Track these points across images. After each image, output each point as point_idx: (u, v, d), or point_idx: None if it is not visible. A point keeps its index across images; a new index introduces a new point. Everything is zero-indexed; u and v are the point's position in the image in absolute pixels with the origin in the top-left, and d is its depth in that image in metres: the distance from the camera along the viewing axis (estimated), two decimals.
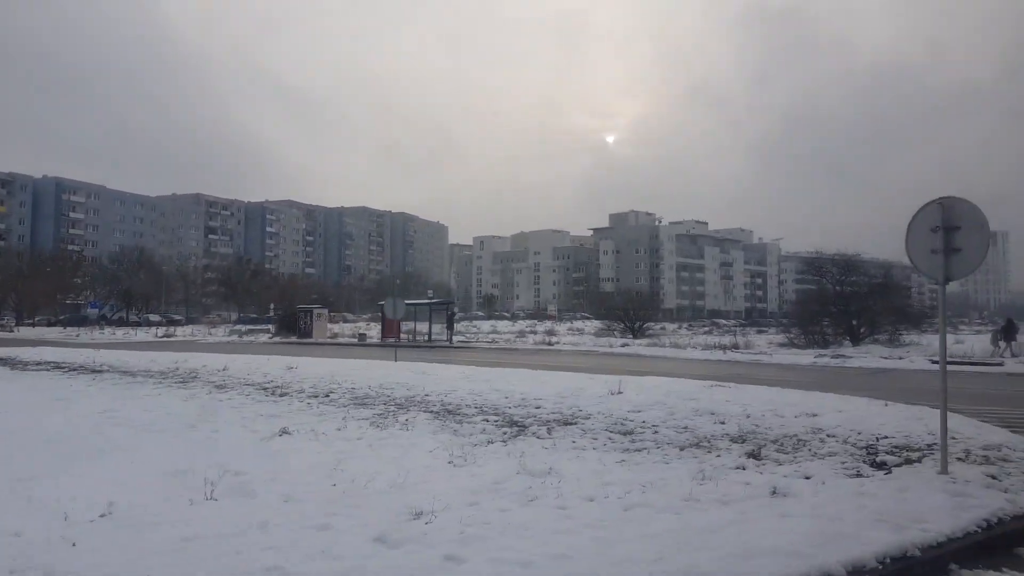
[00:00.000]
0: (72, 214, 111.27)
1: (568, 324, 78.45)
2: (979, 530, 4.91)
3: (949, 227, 6.27)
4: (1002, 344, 27.94)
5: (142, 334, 55.54)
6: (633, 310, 49.44)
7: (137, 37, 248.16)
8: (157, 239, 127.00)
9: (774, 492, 5.44)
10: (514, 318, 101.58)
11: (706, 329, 67.17)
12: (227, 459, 6.99)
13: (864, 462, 6.91)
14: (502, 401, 11.85)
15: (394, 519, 4.75)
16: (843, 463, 6.88)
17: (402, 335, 40.44)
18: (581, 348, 31.54)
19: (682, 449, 7.74)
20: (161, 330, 58.34)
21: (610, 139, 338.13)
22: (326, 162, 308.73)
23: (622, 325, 49.59)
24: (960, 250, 6.26)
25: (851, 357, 25.25)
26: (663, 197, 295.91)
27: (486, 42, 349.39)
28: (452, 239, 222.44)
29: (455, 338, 39.17)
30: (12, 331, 58.18)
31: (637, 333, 48.63)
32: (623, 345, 32.36)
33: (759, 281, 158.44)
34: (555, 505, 5.07)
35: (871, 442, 8.04)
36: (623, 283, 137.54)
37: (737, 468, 6.64)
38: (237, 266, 73.52)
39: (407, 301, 44.13)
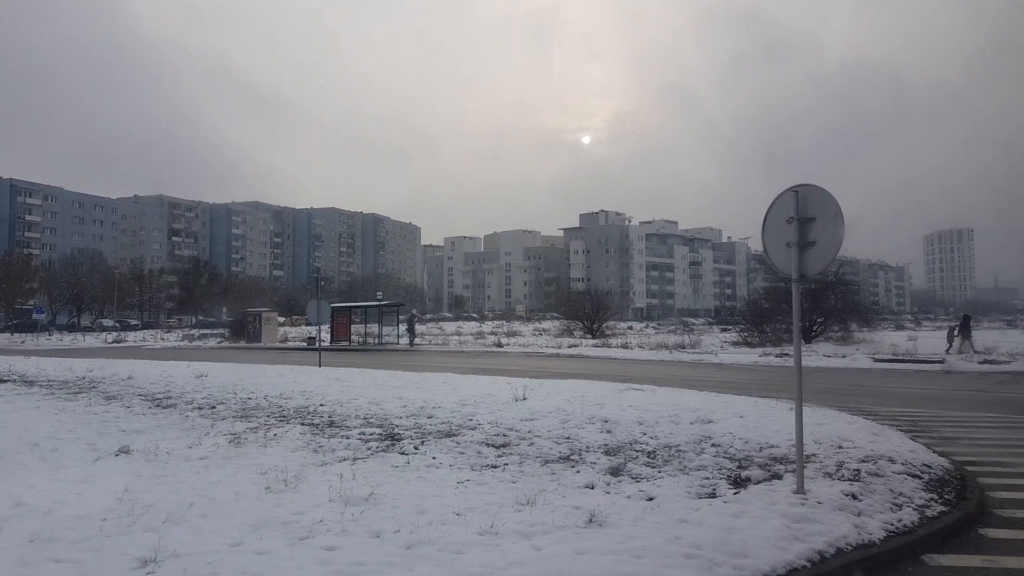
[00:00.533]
0: (28, 217, 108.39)
1: (536, 324, 77.84)
2: (807, 565, 4.31)
3: (804, 218, 5.67)
4: (957, 341, 27.57)
5: (91, 340, 53.97)
6: (592, 310, 49.00)
7: (102, 35, 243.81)
8: (118, 242, 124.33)
9: (591, 520, 4.80)
10: (482, 319, 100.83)
11: (672, 328, 67.04)
12: (23, 489, 6.23)
13: (727, 478, 6.32)
14: (398, 411, 11.15)
15: (114, 569, 4.03)
16: (705, 479, 6.28)
17: (355, 338, 39.67)
18: (529, 350, 30.93)
19: (545, 464, 7.10)
20: (112, 336, 56.78)
21: (584, 138, 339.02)
22: (297, 163, 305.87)
23: (581, 325, 49.22)
24: (815, 243, 5.66)
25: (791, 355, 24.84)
26: (636, 197, 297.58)
27: (458, 41, 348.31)
28: (425, 240, 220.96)
29: (416, 341, 38.31)
30: None
31: (596, 333, 48.28)
32: (571, 346, 31.80)
33: (728, 280, 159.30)
34: (323, 545, 4.38)
35: (751, 453, 7.47)
36: (594, 282, 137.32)
37: (584, 487, 6.01)
38: (194, 269, 71.62)
39: (357, 303, 43.39)
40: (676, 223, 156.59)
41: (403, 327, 38.43)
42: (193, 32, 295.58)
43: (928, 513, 5.39)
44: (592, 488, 5.97)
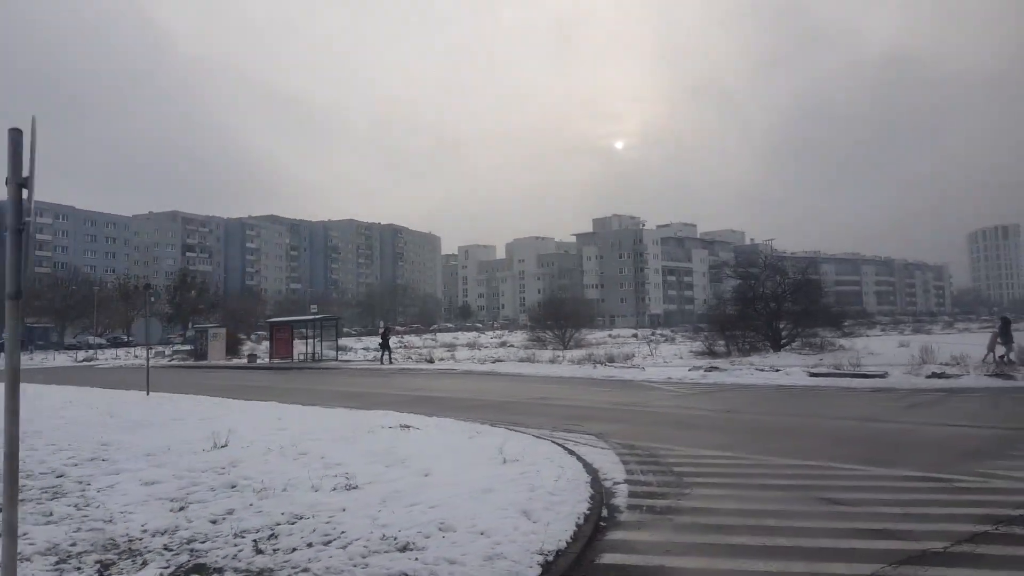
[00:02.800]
0: (39, 236, 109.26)
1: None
2: None
3: None
4: (999, 349, 21.37)
5: (62, 359, 52.90)
6: (555, 320, 46.19)
7: (120, 47, 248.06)
8: (131, 258, 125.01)
9: None
10: (483, 329, 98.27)
11: (687, 334, 63.18)
12: None
13: None
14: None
15: None
16: None
17: (298, 355, 37.30)
18: (461, 366, 27.92)
19: None
20: (83, 354, 55.61)
21: (614, 143, 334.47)
22: (327, 175, 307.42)
23: (551, 336, 46.36)
24: None
25: (725, 370, 21.76)
26: (665, 200, 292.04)
27: (486, 49, 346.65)
28: (448, 249, 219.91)
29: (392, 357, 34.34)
30: None
31: (568, 344, 45.35)
32: (495, 361, 28.96)
33: (752, 283, 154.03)
34: None
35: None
36: (607, 288, 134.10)
37: None
38: (182, 283, 70.37)
39: (292, 318, 41.10)
40: (695, 226, 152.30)
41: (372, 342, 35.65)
42: (220, 46, 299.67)
43: None
44: None
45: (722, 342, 33.36)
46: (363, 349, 46.39)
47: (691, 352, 34.23)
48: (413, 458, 8.09)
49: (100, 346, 64.92)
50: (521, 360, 28.89)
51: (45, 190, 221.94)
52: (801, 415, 12.80)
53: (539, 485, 6.77)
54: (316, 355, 35.47)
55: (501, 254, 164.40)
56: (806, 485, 7.06)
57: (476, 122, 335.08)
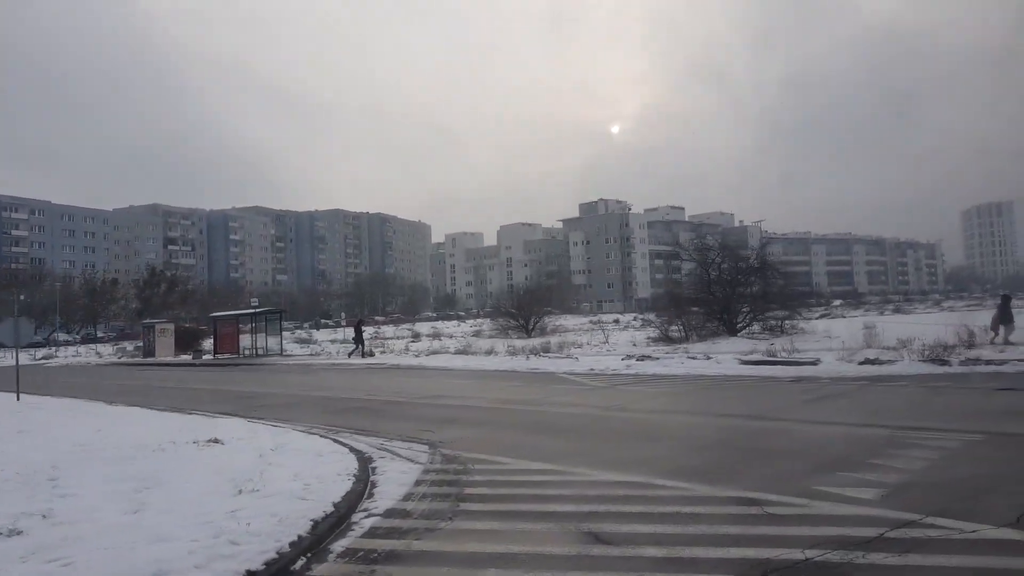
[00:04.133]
0: (15, 232, 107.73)
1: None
2: None
3: None
4: (1001, 329, 20.11)
5: (21, 357, 51.51)
6: (518, 307, 44.96)
7: (112, 38, 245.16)
8: (111, 253, 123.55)
9: None
10: (466, 317, 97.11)
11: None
12: None
13: None
14: None
15: None
16: None
17: (245, 351, 35.98)
18: (389, 362, 26.61)
19: None
20: (41, 352, 54.34)
21: (607, 127, 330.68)
22: (310, 166, 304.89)
23: (514, 324, 45.11)
24: None
25: (657, 359, 20.52)
26: (659, 184, 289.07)
27: (478, 35, 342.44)
28: (438, 239, 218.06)
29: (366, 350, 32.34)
30: None
31: (532, 332, 44.11)
32: (430, 354, 27.71)
33: (742, 265, 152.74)
34: None
35: None
36: (594, 274, 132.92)
37: None
38: (151, 278, 69.00)
39: (236, 311, 39.79)
40: (683, 209, 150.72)
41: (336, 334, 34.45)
42: (206, 34, 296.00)
43: None
44: None
45: (676, 328, 32.17)
46: (329, 342, 45.13)
47: (648, 339, 33.02)
48: (167, 485, 6.84)
49: (67, 343, 63.73)
50: (457, 352, 27.64)
51: (22, 185, 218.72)
52: (693, 412, 11.57)
53: (255, 515, 5.53)
54: (262, 350, 34.24)
55: (490, 242, 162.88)
56: (590, 513, 5.81)
57: (469, 111, 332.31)
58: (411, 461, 8.26)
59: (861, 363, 16.95)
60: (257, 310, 36.29)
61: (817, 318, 43.62)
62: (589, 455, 8.16)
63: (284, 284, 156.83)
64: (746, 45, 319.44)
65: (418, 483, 7.19)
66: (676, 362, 19.66)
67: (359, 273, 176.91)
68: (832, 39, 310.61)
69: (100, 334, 76.48)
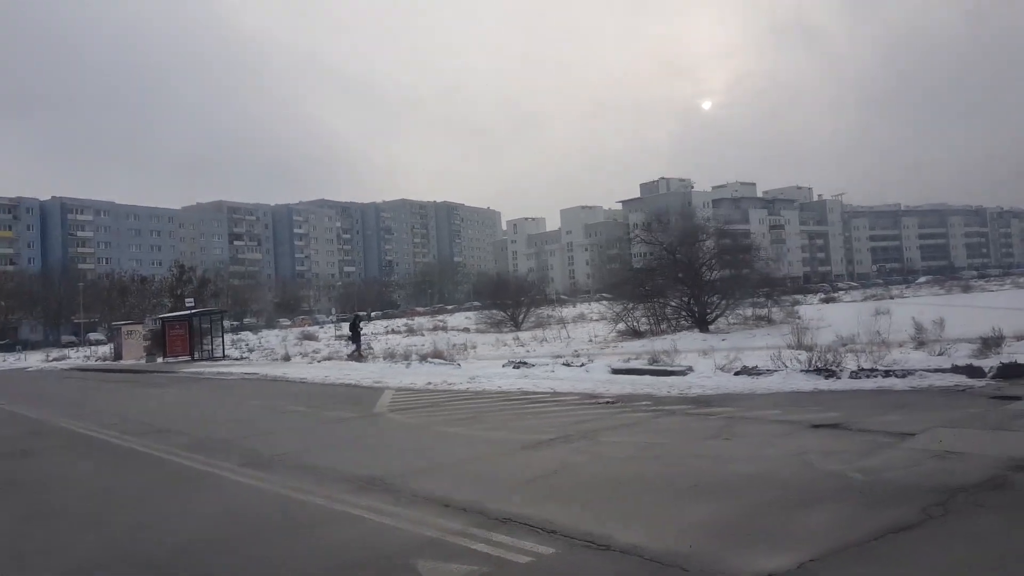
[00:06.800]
0: (80, 233, 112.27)
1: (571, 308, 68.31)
2: None
3: None
4: None
5: (34, 358, 52.12)
6: (513, 298, 41.61)
7: (198, 36, 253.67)
8: (177, 250, 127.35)
9: None
10: None
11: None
12: None
13: None
14: None
15: None
16: None
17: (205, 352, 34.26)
18: (259, 372, 23.85)
19: None
20: (55, 352, 55.29)
21: (696, 101, 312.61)
22: (381, 156, 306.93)
23: (504, 316, 41.90)
24: None
25: (533, 365, 16.96)
26: (748, 159, 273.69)
27: (559, 17, 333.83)
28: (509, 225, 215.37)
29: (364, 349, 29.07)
30: None
31: (520, 325, 40.81)
32: (323, 360, 24.82)
33: (819, 242, 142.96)
34: None
35: None
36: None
37: None
38: (179, 274, 69.34)
39: (175, 313, 38.10)
40: (754, 184, 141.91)
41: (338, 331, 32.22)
42: (274, 25, 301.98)
43: None
44: None
45: (641, 319, 28.18)
46: (335, 338, 42.74)
47: (618, 332, 29.14)
48: None
49: (98, 342, 64.90)
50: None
51: (88, 187, 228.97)
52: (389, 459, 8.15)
53: None
54: (207, 352, 32.48)
55: (553, 227, 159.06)
56: None
57: (546, 92, 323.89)
58: None
59: (737, 373, 12.97)
60: (193, 312, 34.55)
61: (820, 302, 38.41)
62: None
63: (352, 276, 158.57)
64: (842, 4, 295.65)
65: None
66: (545, 371, 16.07)
67: (427, 262, 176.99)
68: None
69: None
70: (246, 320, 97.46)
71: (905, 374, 11.13)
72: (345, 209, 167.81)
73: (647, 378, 13.80)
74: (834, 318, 27.20)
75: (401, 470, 7.25)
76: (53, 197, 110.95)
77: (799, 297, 58.68)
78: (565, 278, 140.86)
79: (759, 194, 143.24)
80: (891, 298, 46.00)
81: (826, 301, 51.15)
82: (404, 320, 72.46)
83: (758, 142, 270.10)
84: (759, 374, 12.59)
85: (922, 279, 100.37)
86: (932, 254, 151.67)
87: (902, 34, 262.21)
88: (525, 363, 17.36)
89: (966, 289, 54.64)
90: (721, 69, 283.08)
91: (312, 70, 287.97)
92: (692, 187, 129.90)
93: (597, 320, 40.86)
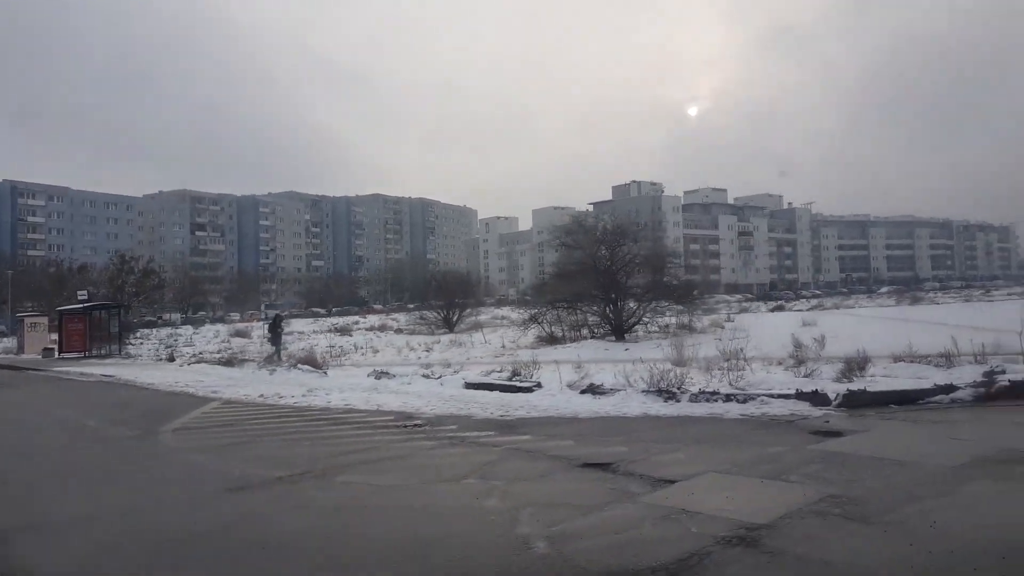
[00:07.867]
0: (31, 218, 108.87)
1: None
2: None
3: None
4: None
5: None
6: (446, 299, 40.19)
7: (179, 22, 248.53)
8: (135, 239, 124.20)
9: None
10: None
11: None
12: None
13: None
14: None
15: None
16: None
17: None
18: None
19: None
20: None
21: (683, 105, 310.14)
22: (373, 151, 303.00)
23: (436, 316, 40.44)
24: None
25: (394, 376, 15.56)
26: (733, 164, 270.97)
27: (546, 17, 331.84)
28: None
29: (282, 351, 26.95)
30: None
31: (454, 326, 39.37)
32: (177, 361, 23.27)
33: (788, 250, 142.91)
34: None
35: None
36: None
37: None
38: (120, 264, 66.89)
39: (72, 306, 36.18)
40: (725, 191, 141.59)
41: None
42: (274, 13, 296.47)
43: None
44: None
45: (554, 326, 26.87)
46: (260, 337, 41.04)
47: (537, 338, 27.82)
48: None
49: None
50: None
51: (41, 171, 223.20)
52: None
53: None
54: (104, 349, 30.69)
55: (525, 226, 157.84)
56: None
57: (534, 96, 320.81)
58: None
59: (583, 391, 11.68)
60: (87, 305, 32.71)
61: (768, 310, 37.46)
62: None
63: (320, 270, 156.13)
64: (835, 6, 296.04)
65: None
66: (401, 383, 14.71)
67: (399, 259, 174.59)
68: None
69: None
70: (200, 314, 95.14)
71: (747, 399, 9.91)
72: (315, 202, 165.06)
73: (494, 394, 12.52)
74: (763, 329, 26.16)
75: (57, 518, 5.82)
76: (4, 180, 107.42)
77: (747, 305, 57.99)
78: (535, 278, 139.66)
79: (730, 200, 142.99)
80: (837, 308, 45.24)
81: (775, 310, 50.31)
82: (356, 318, 70.72)
83: (737, 149, 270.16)
84: (603, 393, 11.31)
85: (884, 289, 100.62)
86: (898, 265, 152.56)
87: (878, 48, 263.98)
88: (387, 374, 15.94)
89: (914, 301, 54.10)
90: (707, 75, 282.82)
91: (296, 57, 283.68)
92: (663, 191, 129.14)
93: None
